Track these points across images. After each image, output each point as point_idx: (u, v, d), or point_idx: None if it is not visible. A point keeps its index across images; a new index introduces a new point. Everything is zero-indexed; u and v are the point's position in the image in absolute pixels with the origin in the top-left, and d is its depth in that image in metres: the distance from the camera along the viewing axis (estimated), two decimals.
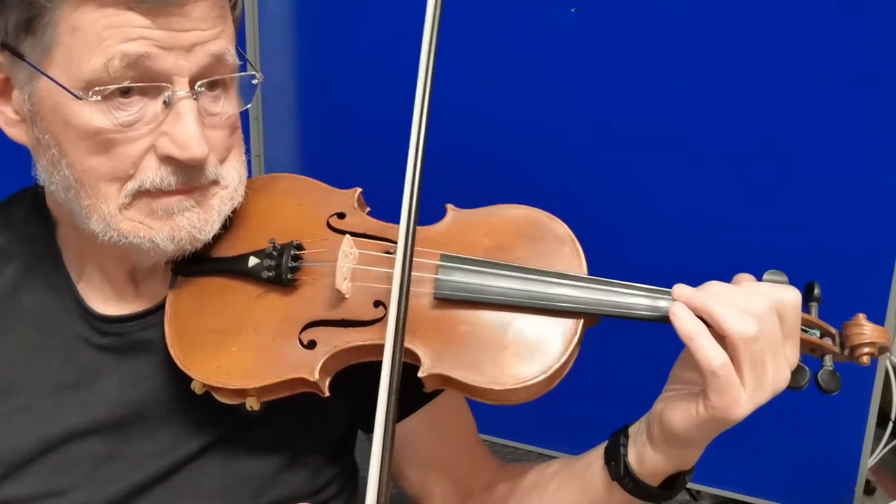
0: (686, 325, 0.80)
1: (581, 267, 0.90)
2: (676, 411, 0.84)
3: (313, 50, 1.97)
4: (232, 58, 0.88)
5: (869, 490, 1.92)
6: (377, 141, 1.92)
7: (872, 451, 1.92)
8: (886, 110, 1.59)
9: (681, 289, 0.84)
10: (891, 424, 2.01)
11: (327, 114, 2.01)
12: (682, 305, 0.82)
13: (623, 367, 1.75)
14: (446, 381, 0.86)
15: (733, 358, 0.79)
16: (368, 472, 0.74)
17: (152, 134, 0.85)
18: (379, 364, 0.79)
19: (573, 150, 1.80)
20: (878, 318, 1.66)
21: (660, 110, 1.72)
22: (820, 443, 1.82)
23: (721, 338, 0.80)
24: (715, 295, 0.81)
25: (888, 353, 1.81)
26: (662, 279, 1.71)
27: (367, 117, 1.93)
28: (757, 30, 1.62)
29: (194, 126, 0.84)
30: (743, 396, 0.79)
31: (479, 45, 1.77)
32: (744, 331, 0.78)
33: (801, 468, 1.86)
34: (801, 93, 1.63)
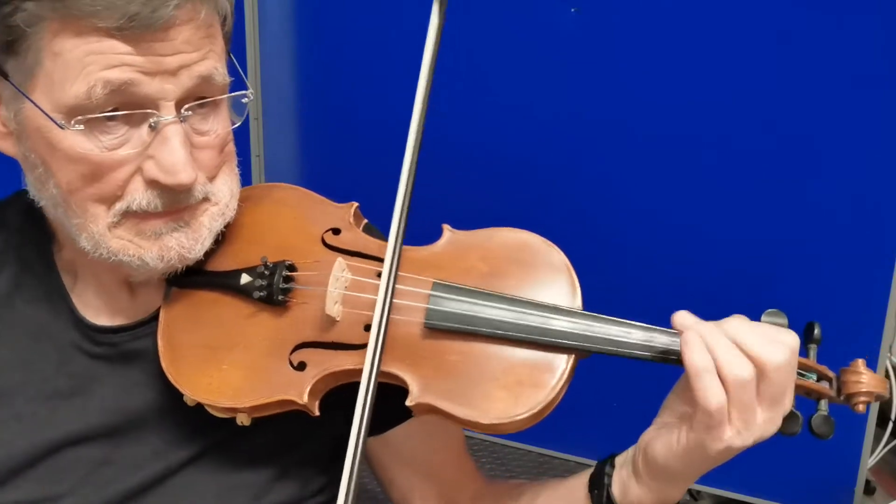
0: (698, 357, 0.78)
1: (576, 297, 0.88)
2: (659, 442, 0.83)
3: (313, 51, 1.97)
4: (221, 77, 0.87)
5: (869, 490, 1.92)
6: (376, 141, 1.91)
7: (872, 451, 1.91)
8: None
9: (682, 317, 0.82)
10: (891, 424, 2.00)
11: (327, 114, 2.00)
12: (696, 335, 0.79)
13: (624, 369, 1.74)
14: (433, 410, 0.85)
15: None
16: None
17: (139, 157, 0.84)
18: None
19: (573, 151, 1.80)
20: (876, 322, 1.66)
21: (660, 111, 1.71)
22: (820, 443, 1.81)
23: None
24: (715, 335, 0.79)
25: (888, 353, 1.81)
26: (658, 281, 1.71)
27: (367, 118, 1.92)
28: (756, 33, 1.61)
29: (181, 151, 0.83)
30: (727, 434, 0.78)
31: (478, 46, 1.76)
32: (739, 375, 0.77)
33: (801, 468, 1.85)
34: (802, 93, 1.62)
